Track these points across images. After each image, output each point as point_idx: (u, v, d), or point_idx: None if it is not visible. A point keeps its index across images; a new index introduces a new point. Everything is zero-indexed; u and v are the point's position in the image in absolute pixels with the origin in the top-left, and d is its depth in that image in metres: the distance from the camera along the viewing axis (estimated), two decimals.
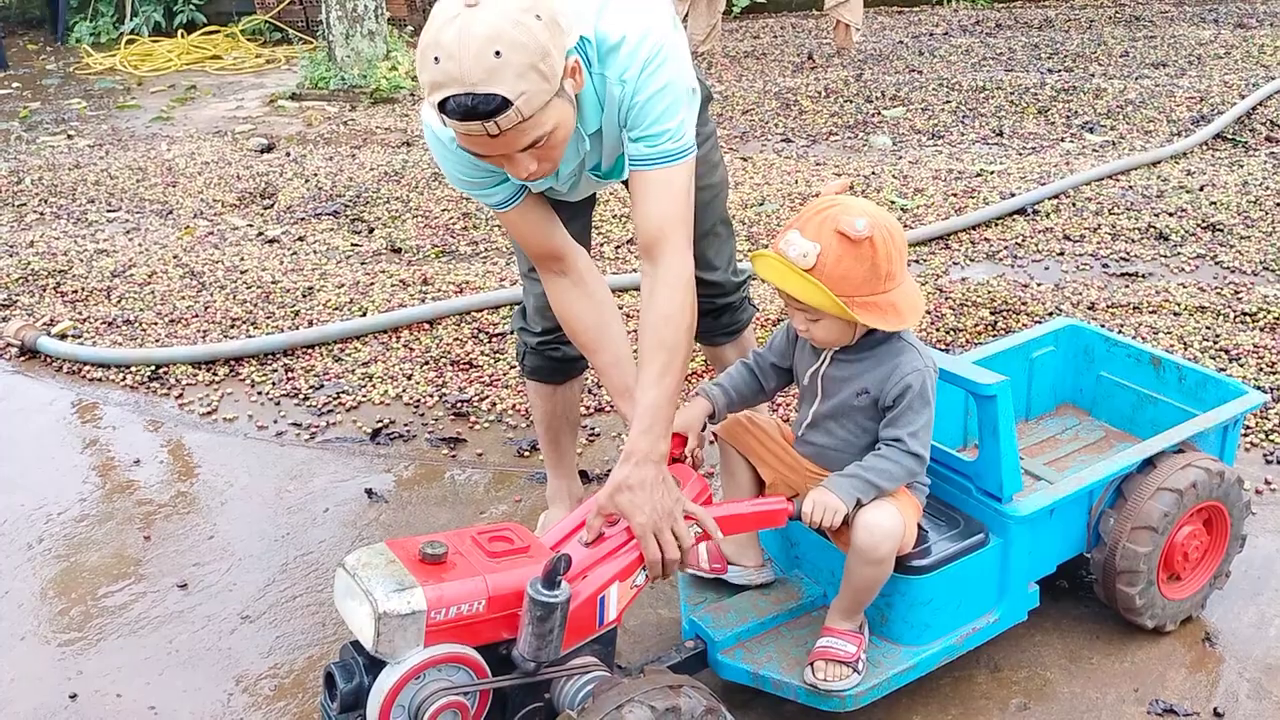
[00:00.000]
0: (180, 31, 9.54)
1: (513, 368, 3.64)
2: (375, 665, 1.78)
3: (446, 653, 1.78)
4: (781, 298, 2.07)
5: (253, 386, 3.69)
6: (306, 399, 3.59)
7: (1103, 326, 3.57)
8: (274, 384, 3.69)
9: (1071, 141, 5.62)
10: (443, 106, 1.76)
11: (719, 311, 2.58)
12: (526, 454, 3.22)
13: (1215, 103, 5.90)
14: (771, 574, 2.32)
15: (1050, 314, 3.71)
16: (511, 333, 2.69)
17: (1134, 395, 2.67)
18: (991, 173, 5.15)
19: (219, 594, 2.69)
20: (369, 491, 3.07)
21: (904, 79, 6.96)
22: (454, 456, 3.25)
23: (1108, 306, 3.77)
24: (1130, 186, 4.83)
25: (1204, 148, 5.33)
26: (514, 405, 3.45)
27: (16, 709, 2.35)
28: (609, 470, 3.11)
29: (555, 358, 2.57)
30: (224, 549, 2.87)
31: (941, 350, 3.54)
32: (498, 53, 1.71)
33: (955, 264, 4.24)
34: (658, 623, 2.49)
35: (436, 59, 1.73)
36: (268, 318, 4.13)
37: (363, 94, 7.51)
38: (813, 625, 2.21)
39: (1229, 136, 5.44)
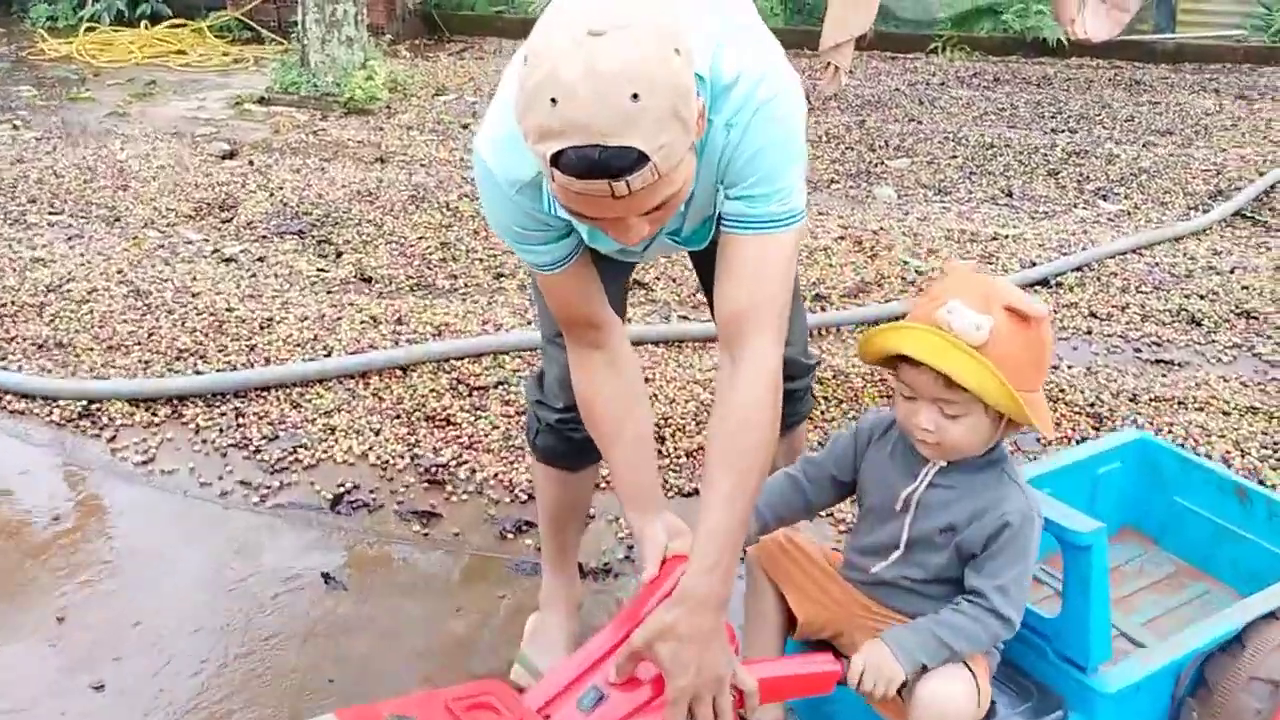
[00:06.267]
0: (144, 22, 9.04)
1: (495, 429, 3.25)
2: None
3: None
4: (906, 384, 1.68)
5: (197, 433, 3.26)
6: (258, 451, 3.17)
7: (1150, 424, 3.28)
8: (221, 430, 3.27)
9: (1085, 208, 5.35)
10: (557, 159, 1.39)
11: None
12: (510, 536, 2.83)
13: (1232, 177, 5.67)
14: None
15: (1090, 404, 3.39)
16: (522, 412, 2.33)
17: (1212, 527, 2.35)
18: (1007, 237, 4.86)
19: (141, 701, 2.27)
20: (326, 576, 2.66)
21: (906, 129, 6.68)
22: (426, 535, 2.85)
23: (1150, 399, 3.46)
24: (1157, 263, 4.55)
25: (1224, 225, 5.09)
26: (496, 474, 3.06)
27: None
28: (606, 564, 2.75)
29: (575, 440, 2.15)
30: (151, 642, 2.44)
31: None
32: (635, 95, 1.35)
33: None
34: None
35: (554, 100, 1.35)
36: (219, 350, 3.71)
37: (335, 102, 7.09)
38: None
39: (1248, 214, 5.21)
